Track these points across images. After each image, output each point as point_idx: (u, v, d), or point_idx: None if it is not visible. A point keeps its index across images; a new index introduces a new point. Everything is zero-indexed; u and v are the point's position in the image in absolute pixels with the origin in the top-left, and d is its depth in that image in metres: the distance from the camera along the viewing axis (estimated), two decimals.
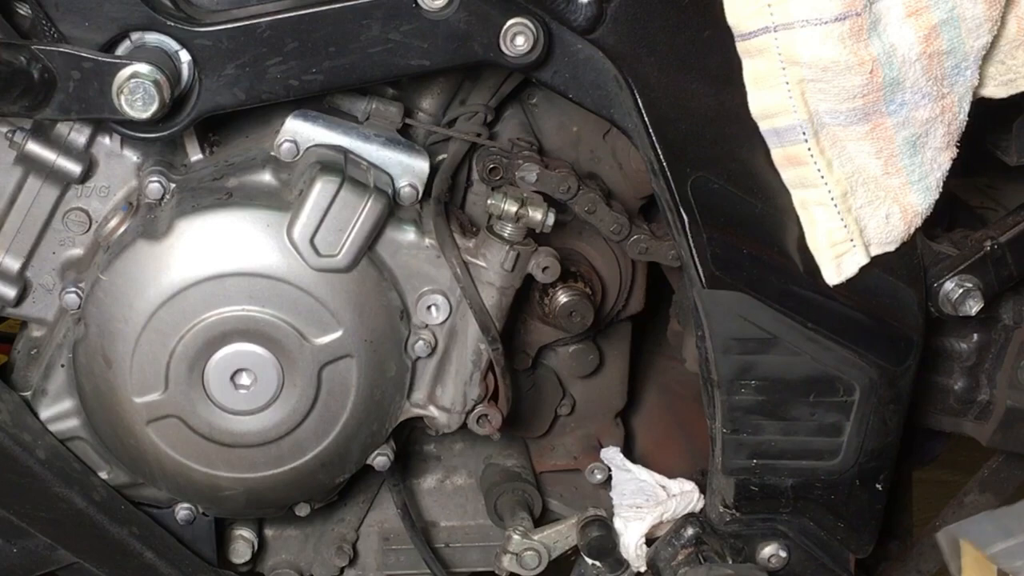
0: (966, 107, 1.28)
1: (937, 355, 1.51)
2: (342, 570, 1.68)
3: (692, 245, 1.32)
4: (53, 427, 1.43)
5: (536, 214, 1.39)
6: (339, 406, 1.38)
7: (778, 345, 1.36)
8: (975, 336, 1.52)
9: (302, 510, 1.53)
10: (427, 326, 1.41)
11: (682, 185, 1.31)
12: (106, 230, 1.38)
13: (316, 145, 1.35)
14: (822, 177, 1.27)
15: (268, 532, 1.65)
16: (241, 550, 1.58)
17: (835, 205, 1.29)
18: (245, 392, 1.36)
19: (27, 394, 1.43)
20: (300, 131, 1.35)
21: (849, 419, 1.40)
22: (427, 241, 1.38)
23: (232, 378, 1.36)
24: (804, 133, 1.26)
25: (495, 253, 1.39)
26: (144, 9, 1.24)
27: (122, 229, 1.37)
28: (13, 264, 1.39)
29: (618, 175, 1.54)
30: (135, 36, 1.26)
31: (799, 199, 1.31)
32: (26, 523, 1.41)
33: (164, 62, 1.24)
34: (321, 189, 1.31)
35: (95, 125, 1.35)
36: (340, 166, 1.33)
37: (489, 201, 1.40)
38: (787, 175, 1.30)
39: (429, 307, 1.40)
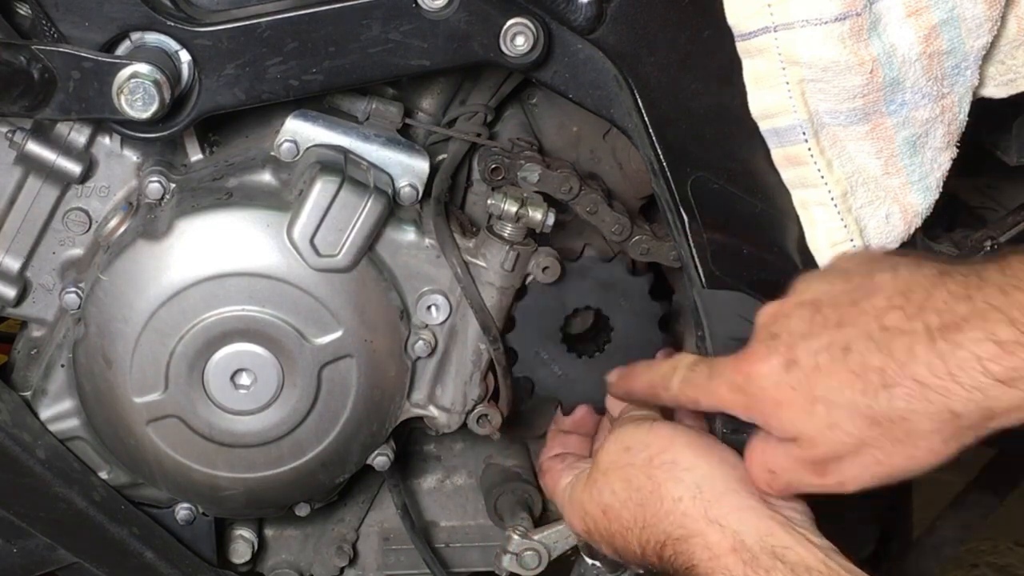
0: (966, 107, 1.28)
1: None
2: (342, 570, 1.67)
3: (692, 245, 1.32)
4: (53, 427, 1.43)
5: (536, 214, 1.39)
6: (339, 406, 1.38)
7: None
8: None
9: (302, 510, 1.52)
10: (427, 326, 1.41)
11: (682, 185, 1.31)
12: (106, 230, 1.37)
13: (316, 145, 1.35)
14: (822, 177, 1.27)
15: (268, 532, 1.65)
16: (241, 550, 1.58)
17: (835, 205, 1.28)
18: (245, 392, 1.36)
19: (27, 394, 1.43)
20: (300, 131, 1.35)
21: None
22: (427, 241, 1.38)
23: (232, 378, 1.36)
24: (804, 133, 1.25)
25: (495, 253, 1.39)
26: (144, 9, 1.24)
27: (122, 229, 1.37)
28: (13, 264, 1.39)
29: (618, 175, 1.53)
30: (135, 36, 1.26)
31: (799, 199, 1.31)
32: (26, 523, 1.41)
33: (164, 62, 1.24)
34: (321, 189, 1.31)
35: (95, 125, 1.35)
36: (340, 166, 1.33)
37: (489, 201, 1.39)
38: (787, 175, 1.30)
39: (429, 307, 1.40)
